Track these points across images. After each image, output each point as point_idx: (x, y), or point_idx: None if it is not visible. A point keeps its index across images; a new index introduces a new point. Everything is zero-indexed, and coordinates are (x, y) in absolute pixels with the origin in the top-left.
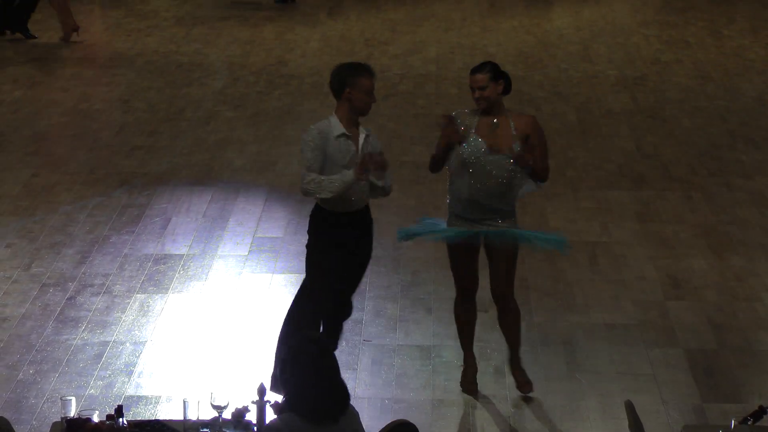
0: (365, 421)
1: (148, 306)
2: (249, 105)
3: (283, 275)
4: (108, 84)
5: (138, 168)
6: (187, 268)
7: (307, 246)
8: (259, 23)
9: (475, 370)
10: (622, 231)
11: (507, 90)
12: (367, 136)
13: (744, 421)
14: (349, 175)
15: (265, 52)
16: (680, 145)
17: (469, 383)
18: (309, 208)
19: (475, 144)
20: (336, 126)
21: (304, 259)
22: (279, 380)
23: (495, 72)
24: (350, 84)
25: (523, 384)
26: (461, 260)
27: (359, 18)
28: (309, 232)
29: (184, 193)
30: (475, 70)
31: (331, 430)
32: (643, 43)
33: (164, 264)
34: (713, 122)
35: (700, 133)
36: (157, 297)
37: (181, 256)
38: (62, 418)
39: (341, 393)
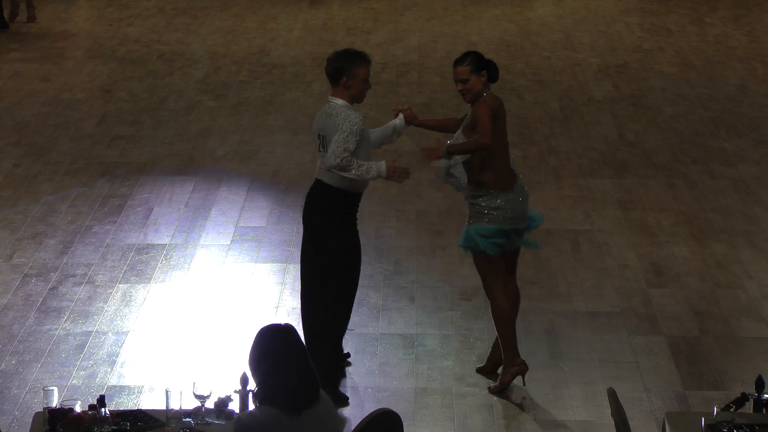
0: (348, 409)
1: (130, 296)
2: (231, 94)
3: (265, 264)
4: (89, 74)
5: (120, 158)
6: (170, 257)
7: (326, 234)
8: (241, 12)
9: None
10: (605, 219)
11: (493, 78)
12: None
13: (726, 408)
14: (383, 170)
15: (246, 41)
16: (662, 133)
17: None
18: (292, 198)
19: (458, 138)
20: (354, 112)
21: (285, 248)
22: (253, 377)
23: (477, 63)
24: (347, 73)
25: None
26: (500, 266)
27: (341, 7)
28: (327, 219)
29: (166, 183)
30: (457, 62)
31: (309, 416)
32: (625, 31)
33: (146, 254)
34: (695, 110)
35: (683, 121)
36: (139, 287)
37: (164, 245)
38: (44, 409)
39: (313, 379)
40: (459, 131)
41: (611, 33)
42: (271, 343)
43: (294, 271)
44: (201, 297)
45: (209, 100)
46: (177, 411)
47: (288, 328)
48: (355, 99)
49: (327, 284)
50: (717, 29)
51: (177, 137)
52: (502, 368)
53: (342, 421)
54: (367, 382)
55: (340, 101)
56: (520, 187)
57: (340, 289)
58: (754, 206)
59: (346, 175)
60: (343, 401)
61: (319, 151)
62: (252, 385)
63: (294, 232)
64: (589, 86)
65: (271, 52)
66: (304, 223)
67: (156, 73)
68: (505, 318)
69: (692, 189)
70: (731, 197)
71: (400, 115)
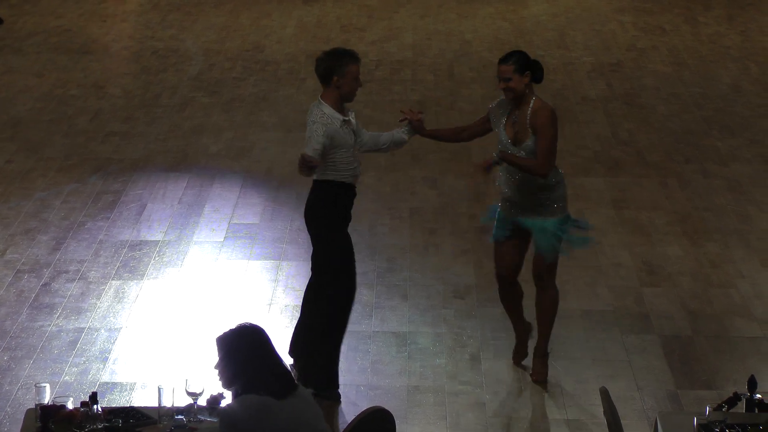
0: (342, 407)
1: (123, 292)
2: (225, 91)
3: (259, 261)
4: (83, 70)
5: (113, 154)
6: (163, 254)
7: (322, 228)
8: (235, 9)
9: (526, 339)
10: (598, 217)
11: (537, 79)
12: (353, 115)
13: (718, 407)
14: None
15: (240, 37)
16: (656, 132)
17: (519, 354)
18: (285, 195)
19: (502, 136)
20: (334, 115)
21: (279, 245)
22: (224, 375)
23: (521, 63)
24: (337, 72)
25: (537, 373)
26: (500, 248)
27: (335, 4)
28: (323, 214)
29: (159, 180)
30: (502, 61)
31: (292, 401)
32: (619, 29)
33: (139, 250)
34: (689, 109)
35: (676, 120)
36: (132, 283)
37: (157, 242)
38: (36, 405)
39: (287, 371)
40: (503, 132)
41: (605, 32)
42: (249, 337)
43: (287, 269)
44: (194, 294)
45: (203, 96)
46: (169, 408)
47: (253, 328)
48: (345, 98)
49: (331, 280)
50: (711, 28)
51: (170, 134)
52: (539, 358)
53: (320, 411)
54: (359, 380)
55: (326, 107)
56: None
57: (345, 285)
58: (747, 205)
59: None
60: (337, 399)
61: None
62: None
63: (287, 229)
64: (582, 85)
65: (265, 49)
66: (307, 225)
67: (150, 69)
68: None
69: (685, 188)
70: (724, 196)
71: (405, 127)
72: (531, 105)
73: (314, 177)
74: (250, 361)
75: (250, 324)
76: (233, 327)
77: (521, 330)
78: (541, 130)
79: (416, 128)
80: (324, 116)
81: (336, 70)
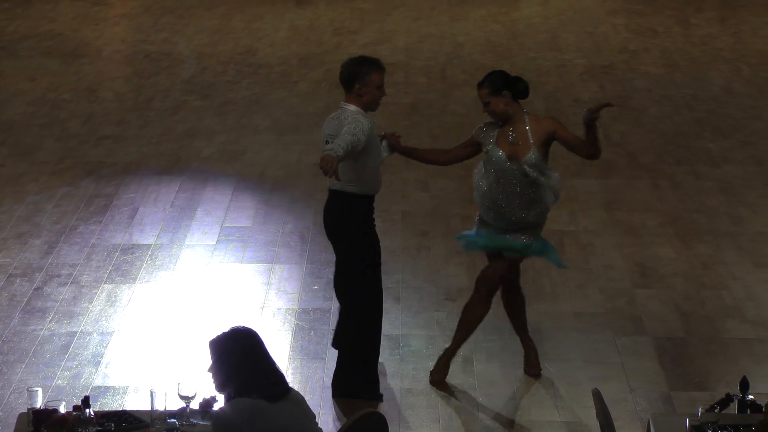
0: (332, 410)
1: (115, 296)
2: (217, 94)
3: (251, 265)
4: (75, 73)
5: (106, 157)
6: (155, 258)
7: (350, 244)
8: (228, 12)
9: (536, 352)
10: (590, 219)
11: (521, 95)
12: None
13: (711, 408)
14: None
15: (233, 41)
16: (648, 134)
17: (532, 367)
18: (278, 199)
19: (494, 154)
20: (365, 117)
21: (271, 248)
22: (218, 378)
23: (494, 86)
24: (360, 79)
25: (534, 366)
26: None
27: (328, 7)
28: (349, 229)
29: (152, 183)
30: (478, 85)
31: (285, 405)
32: (611, 31)
33: (132, 254)
34: (681, 111)
35: (668, 122)
36: (124, 287)
37: (149, 245)
38: (29, 409)
39: (280, 374)
40: (495, 149)
41: (597, 34)
42: (242, 340)
43: (279, 272)
44: (186, 297)
45: (195, 99)
46: (162, 412)
47: (245, 331)
48: (368, 107)
49: (358, 290)
50: (703, 30)
51: (163, 137)
52: (530, 356)
53: (313, 415)
54: None
55: (352, 107)
56: None
57: (373, 292)
58: (739, 207)
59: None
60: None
61: None
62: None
63: (279, 232)
64: (575, 87)
65: (257, 52)
66: (328, 237)
67: (142, 72)
68: None
69: (677, 190)
70: (716, 198)
71: (384, 143)
72: (527, 121)
73: (334, 187)
74: (243, 364)
75: (243, 327)
76: (226, 330)
77: (530, 343)
78: (558, 130)
79: (393, 144)
80: (358, 118)
81: (358, 77)
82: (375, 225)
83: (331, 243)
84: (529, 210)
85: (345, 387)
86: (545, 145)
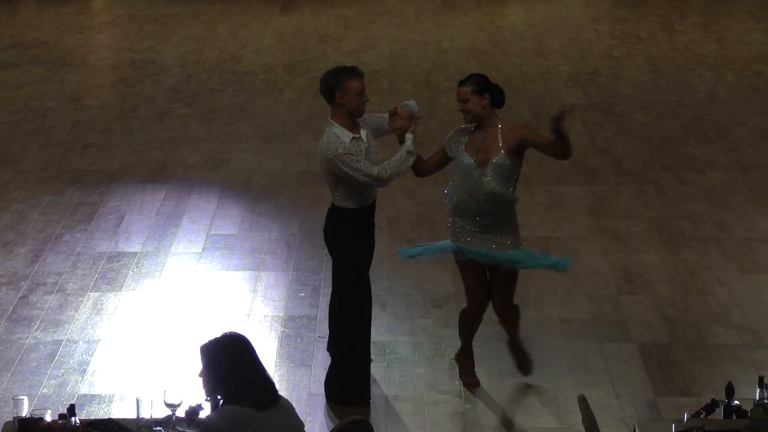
0: (319, 417)
1: (101, 304)
2: (202, 102)
3: (237, 272)
4: (60, 81)
5: (91, 166)
6: (141, 266)
7: (343, 255)
8: (212, 20)
9: (473, 363)
10: (576, 226)
11: (497, 103)
12: (365, 131)
13: (697, 414)
14: (404, 146)
15: (218, 48)
16: (633, 140)
17: (468, 376)
18: (263, 206)
19: (463, 160)
20: (343, 134)
21: (257, 255)
22: (207, 384)
23: (479, 85)
24: (340, 88)
25: (522, 365)
26: (470, 281)
27: (312, 14)
28: (340, 241)
29: (137, 191)
30: (461, 83)
31: (274, 413)
32: (595, 38)
33: (118, 262)
34: (665, 117)
35: (653, 128)
36: (110, 295)
37: (135, 253)
38: (14, 418)
39: (270, 381)
40: (465, 155)
41: (582, 40)
42: (233, 347)
43: (265, 279)
44: (172, 305)
45: (180, 107)
46: (148, 420)
47: (236, 337)
48: (353, 113)
49: (347, 295)
50: (687, 36)
51: (148, 145)
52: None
53: (301, 423)
54: None
55: (336, 127)
56: None
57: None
58: (724, 213)
59: (389, 183)
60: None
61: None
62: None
63: (265, 239)
64: (560, 93)
65: (242, 60)
66: (327, 247)
67: (127, 80)
68: None
69: (662, 196)
70: (701, 204)
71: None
72: (500, 127)
73: (334, 203)
74: (233, 370)
75: (235, 333)
76: (218, 336)
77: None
78: (529, 136)
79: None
80: (336, 141)
81: (337, 86)
82: (374, 232)
83: (330, 253)
84: (495, 212)
85: (337, 393)
86: (516, 153)
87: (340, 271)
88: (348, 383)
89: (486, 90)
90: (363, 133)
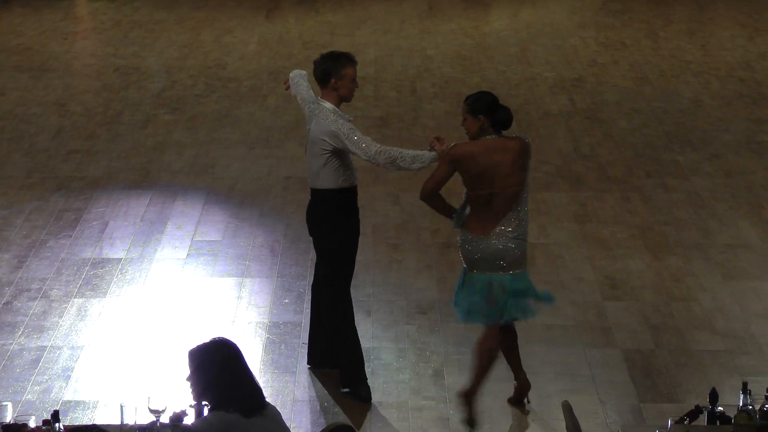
0: (304, 423)
1: (85, 310)
2: (187, 108)
3: (221, 278)
4: (44, 88)
5: (75, 172)
6: (125, 272)
7: (330, 243)
8: (197, 26)
9: (528, 387)
10: (560, 232)
11: (500, 124)
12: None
13: (681, 420)
14: (428, 157)
15: (202, 54)
16: (617, 147)
17: (518, 401)
18: (248, 212)
19: None
20: (338, 113)
21: (242, 262)
22: (195, 389)
23: (474, 106)
24: (335, 74)
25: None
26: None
27: (297, 20)
28: (326, 226)
29: (121, 197)
30: (465, 99)
31: (262, 419)
32: (580, 45)
33: (102, 268)
34: (650, 123)
35: (637, 135)
36: (94, 301)
37: (119, 260)
38: None
39: (258, 388)
40: None
41: (566, 47)
42: (221, 352)
43: (250, 285)
44: (157, 311)
45: (165, 113)
46: (132, 426)
47: (217, 343)
48: (344, 99)
49: (338, 283)
50: (671, 43)
51: (133, 151)
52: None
53: (288, 430)
54: (322, 395)
55: (328, 105)
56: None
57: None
58: (708, 219)
59: (383, 166)
60: (367, 399)
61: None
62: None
63: (250, 246)
64: (544, 100)
65: (227, 66)
66: (311, 235)
67: (111, 86)
68: None
69: (647, 202)
70: (685, 210)
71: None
72: None
73: (315, 186)
74: (221, 375)
75: (223, 339)
76: (206, 341)
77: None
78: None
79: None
80: (339, 118)
81: (334, 72)
82: (358, 218)
83: (314, 241)
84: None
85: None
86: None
87: (328, 262)
88: (362, 380)
89: (480, 112)
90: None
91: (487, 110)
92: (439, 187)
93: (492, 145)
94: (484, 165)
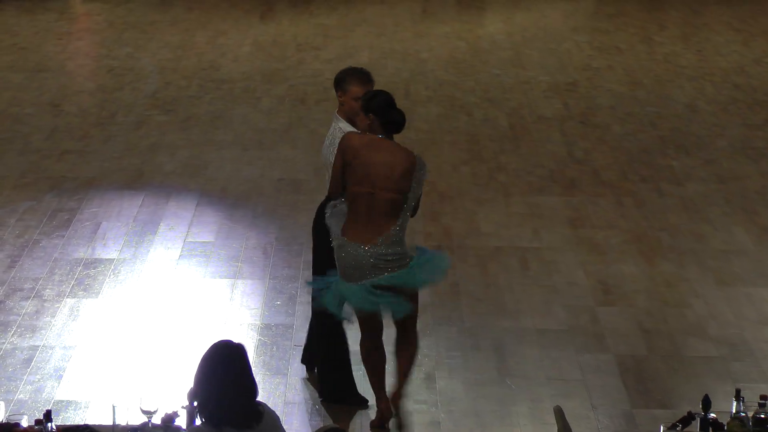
0: (296, 426)
1: (78, 310)
2: (180, 109)
3: (214, 280)
4: (38, 88)
5: (68, 172)
6: (118, 272)
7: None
8: (191, 27)
9: (390, 415)
10: (554, 236)
11: (391, 126)
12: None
13: (673, 426)
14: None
15: (196, 56)
16: (611, 151)
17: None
18: (241, 213)
19: None
20: (347, 128)
21: (234, 263)
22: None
23: (365, 105)
24: (342, 88)
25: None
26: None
27: (291, 23)
28: (321, 230)
29: (114, 197)
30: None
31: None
32: (574, 49)
33: (94, 268)
34: (644, 128)
35: (631, 139)
36: (87, 301)
37: (112, 260)
38: None
39: (254, 398)
40: None
41: (561, 51)
42: (213, 361)
43: (242, 287)
44: (149, 312)
45: (159, 114)
46: (124, 426)
47: (232, 346)
48: (349, 115)
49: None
50: (666, 48)
51: (126, 152)
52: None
53: None
54: (314, 398)
55: (341, 122)
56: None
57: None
58: (702, 225)
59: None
60: (363, 404)
61: None
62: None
63: (243, 247)
64: (538, 104)
65: (221, 68)
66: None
67: (105, 87)
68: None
69: (641, 207)
70: (679, 216)
71: None
72: None
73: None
74: (216, 378)
75: (228, 342)
76: (216, 342)
77: (387, 404)
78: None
79: None
80: (336, 135)
81: (340, 86)
82: None
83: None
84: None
85: (331, 394)
86: None
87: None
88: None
89: (370, 111)
90: None
91: (378, 110)
92: (338, 180)
93: (379, 144)
94: (365, 160)
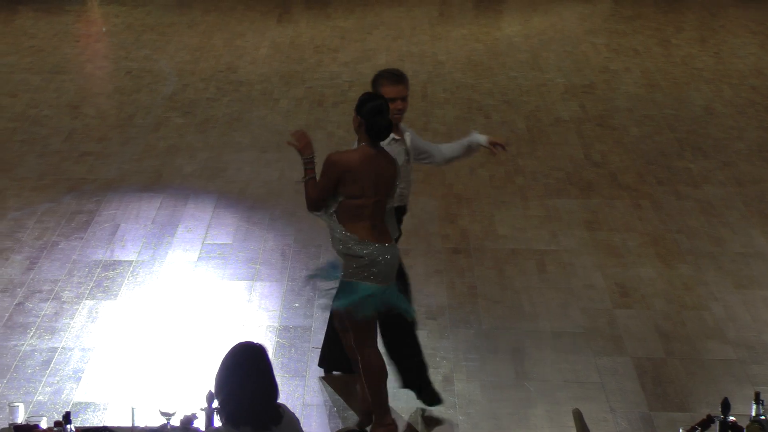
0: (313, 428)
1: (96, 312)
2: (198, 111)
3: (232, 282)
4: (57, 90)
5: (87, 174)
6: (136, 274)
7: None
8: (209, 30)
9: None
10: (571, 239)
11: (375, 131)
12: (410, 135)
13: (692, 430)
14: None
15: (214, 58)
16: (629, 154)
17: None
18: (259, 216)
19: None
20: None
21: (252, 265)
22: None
23: (358, 105)
24: (374, 89)
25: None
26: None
27: (309, 25)
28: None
29: (133, 200)
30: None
31: None
32: (591, 51)
33: (113, 270)
34: (661, 130)
35: (649, 142)
36: (105, 303)
37: (130, 262)
38: (10, 425)
39: (274, 401)
40: None
41: (578, 53)
42: (235, 361)
43: (260, 289)
44: (167, 314)
45: (177, 116)
46: (142, 428)
47: (254, 347)
48: None
49: None
50: (683, 50)
51: (145, 154)
52: (372, 426)
53: None
54: (332, 400)
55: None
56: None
57: None
58: (720, 228)
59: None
60: (437, 400)
61: None
62: (215, 403)
63: (261, 249)
64: (555, 106)
65: (238, 70)
66: None
67: (124, 89)
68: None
69: (658, 210)
70: (697, 218)
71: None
72: None
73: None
74: (237, 377)
75: (251, 343)
76: (238, 342)
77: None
78: None
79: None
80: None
81: (373, 86)
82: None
83: None
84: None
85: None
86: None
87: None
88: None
89: (359, 113)
90: (407, 136)
91: (366, 115)
92: (327, 195)
93: (375, 155)
94: (369, 172)
